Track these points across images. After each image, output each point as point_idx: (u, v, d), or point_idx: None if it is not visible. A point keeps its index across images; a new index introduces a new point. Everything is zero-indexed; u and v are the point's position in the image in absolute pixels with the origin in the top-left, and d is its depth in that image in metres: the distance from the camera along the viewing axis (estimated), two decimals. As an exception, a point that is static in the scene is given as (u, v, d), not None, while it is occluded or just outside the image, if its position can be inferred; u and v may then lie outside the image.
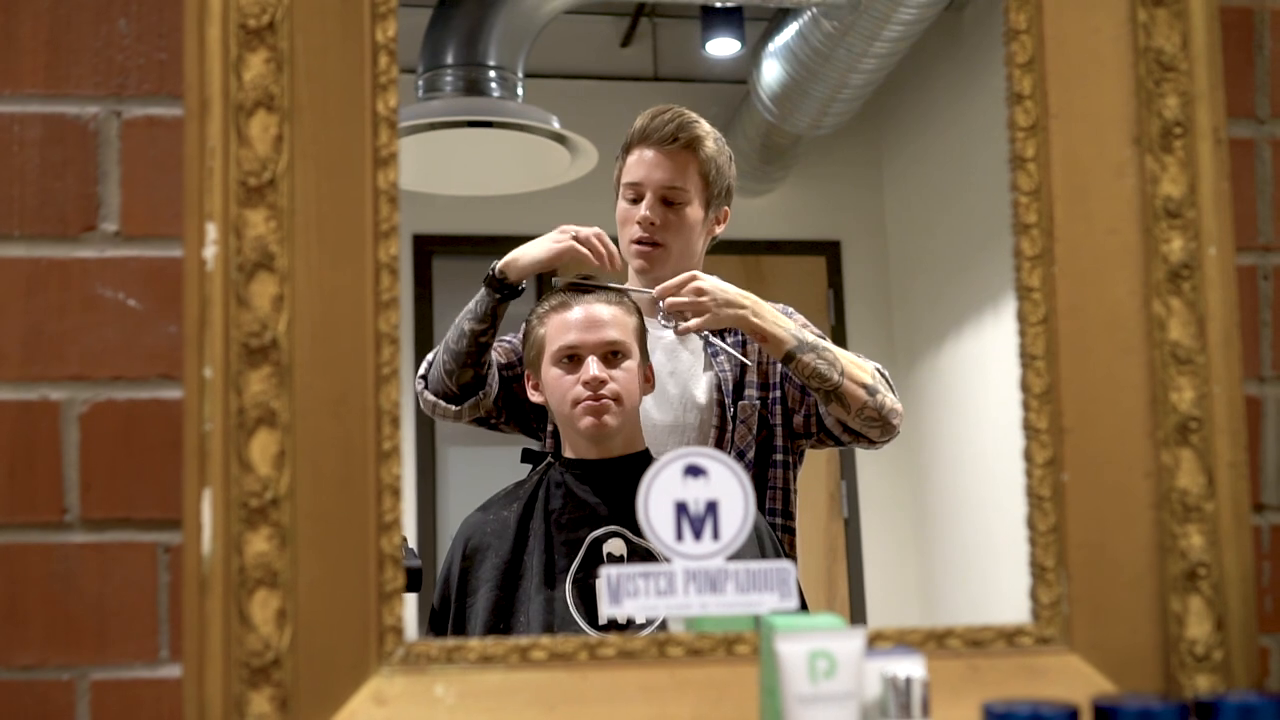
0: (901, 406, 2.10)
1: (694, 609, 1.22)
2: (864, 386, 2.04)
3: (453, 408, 2.12)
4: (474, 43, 2.88)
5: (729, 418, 2.11)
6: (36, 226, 1.31)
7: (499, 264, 2.06)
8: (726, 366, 2.15)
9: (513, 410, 2.18)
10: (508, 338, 2.20)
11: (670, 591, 1.22)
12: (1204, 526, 1.34)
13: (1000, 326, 2.69)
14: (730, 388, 2.13)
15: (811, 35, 3.39)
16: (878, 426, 2.07)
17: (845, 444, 2.13)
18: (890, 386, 2.09)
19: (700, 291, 2.04)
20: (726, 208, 2.22)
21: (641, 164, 2.16)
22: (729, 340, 2.16)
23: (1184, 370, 1.36)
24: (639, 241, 2.14)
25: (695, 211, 2.17)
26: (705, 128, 2.18)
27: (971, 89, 3.03)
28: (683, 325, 2.05)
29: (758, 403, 2.13)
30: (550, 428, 2.16)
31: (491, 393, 2.12)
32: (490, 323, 2.06)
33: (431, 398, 2.12)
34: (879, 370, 2.09)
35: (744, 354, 2.15)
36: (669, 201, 2.15)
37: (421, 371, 2.16)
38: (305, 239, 1.28)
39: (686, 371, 2.17)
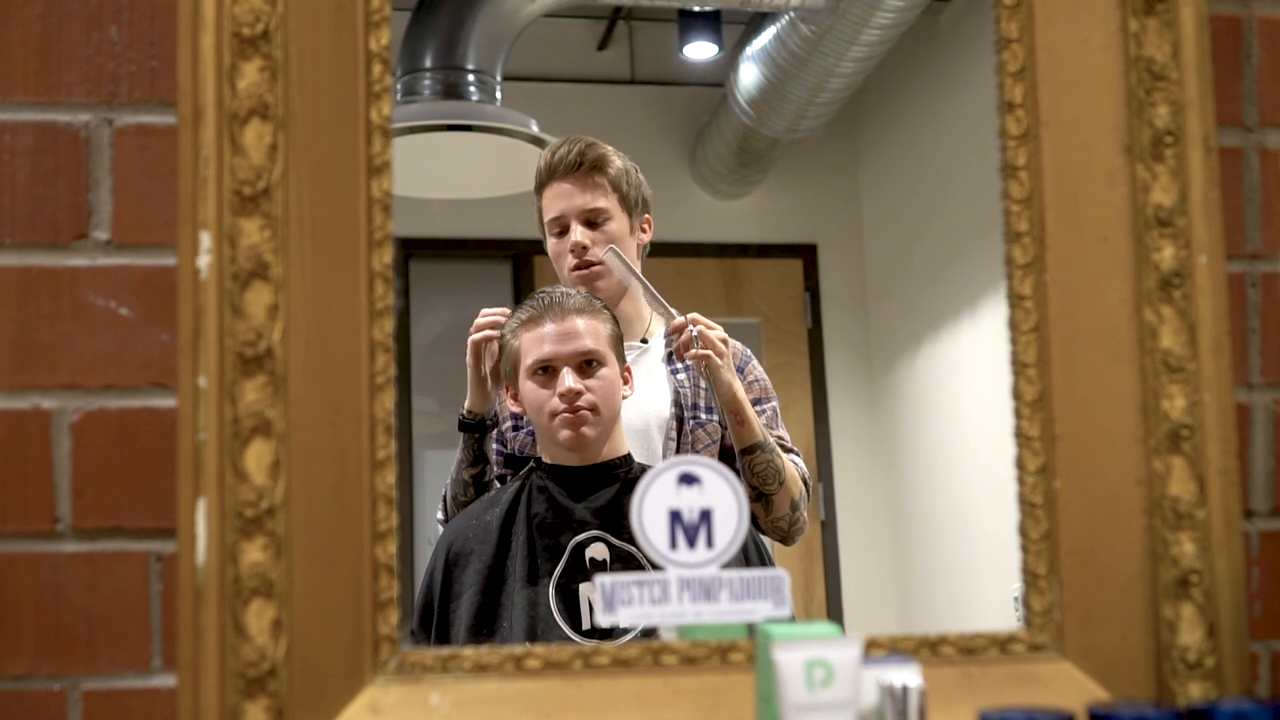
0: (807, 524, 2.20)
1: (688, 617, 1.23)
2: (791, 502, 2.14)
3: None
4: (452, 46, 2.89)
5: (686, 430, 2.14)
6: (27, 235, 1.30)
7: (463, 407, 2.15)
8: (686, 383, 2.18)
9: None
10: None
11: (664, 600, 1.23)
12: (1195, 534, 1.35)
13: (976, 330, 2.71)
14: (689, 402, 2.18)
15: (789, 39, 3.40)
16: (779, 536, 2.17)
17: None
18: (807, 500, 2.18)
19: (725, 342, 2.11)
20: (648, 215, 2.30)
21: (559, 197, 2.23)
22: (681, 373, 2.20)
23: (1175, 378, 1.36)
24: (577, 268, 2.21)
25: (619, 225, 2.23)
26: (606, 147, 2.26)
27: (948, 94, 3.04)
28: (696, 351, 2.08)
29: (715, 420, 2.17)
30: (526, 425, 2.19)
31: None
32: (483, 461, 2.15)
33: None
34: (806, 482, 2.19)
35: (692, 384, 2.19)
36: (592, 223, 2.21)
37: (441, 517, 2.22)
38: (300, 247, 1.27)
39: (655, 383, 2.20)
